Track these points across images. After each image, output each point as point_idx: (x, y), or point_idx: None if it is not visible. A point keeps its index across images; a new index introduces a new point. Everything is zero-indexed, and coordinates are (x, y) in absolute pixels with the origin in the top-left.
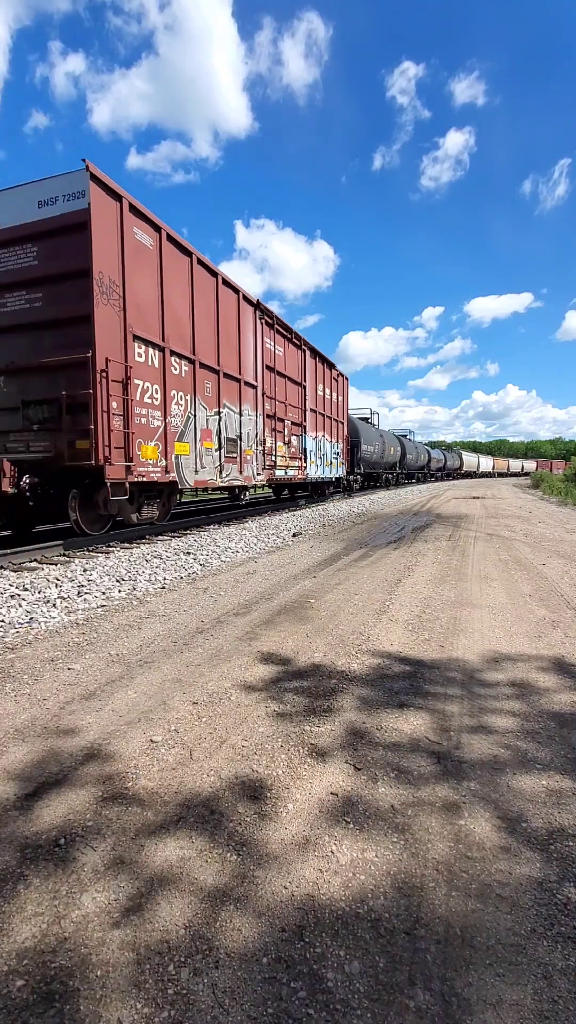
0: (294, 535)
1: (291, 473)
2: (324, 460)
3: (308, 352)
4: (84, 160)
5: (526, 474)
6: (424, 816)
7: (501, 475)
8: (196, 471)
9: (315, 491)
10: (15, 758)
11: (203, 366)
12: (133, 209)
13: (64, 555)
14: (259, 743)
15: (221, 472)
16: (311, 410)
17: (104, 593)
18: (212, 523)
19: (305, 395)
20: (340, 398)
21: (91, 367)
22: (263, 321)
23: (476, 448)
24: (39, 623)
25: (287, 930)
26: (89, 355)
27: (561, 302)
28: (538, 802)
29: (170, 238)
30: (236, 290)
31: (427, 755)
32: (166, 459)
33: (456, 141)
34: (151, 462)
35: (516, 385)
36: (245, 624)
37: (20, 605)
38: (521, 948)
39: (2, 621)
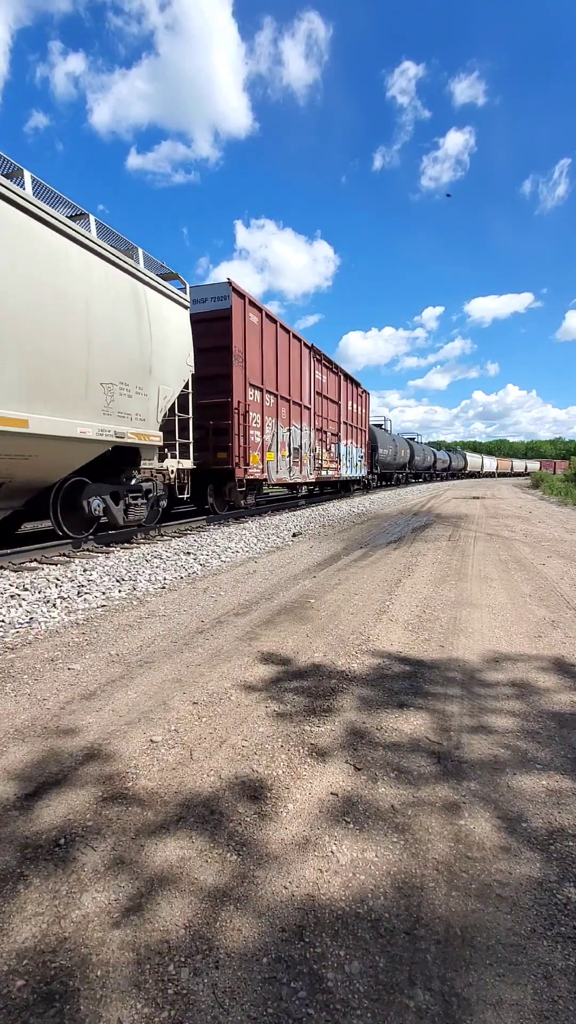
0: (294, 535)
1: (330, 473)
2: (352, 462)
3: (342, 376)
4: (228, 278)
5: (527, 474)
6: (424, 816)
7: (504, 475)
8: (277, 472)
9: (343, 487)
10: (15, 758)
11: (281, 397)
12: (250, 302)
13: (64, 555)
14: (259, 743)
15: (290, 472)
16: (344, 423)
17: (104, 593)
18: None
19: (340, 411)
20: (363, 411)
21: (230, 406)
22: (313, 358)
23: (476, 448)
24: (39, 623)
25: (287, 930)
26: (229, 399)
27: (561, 302)
28: (538, 802)
29: (267, 315)
30: (299, 339)
31: (427, 755)
32: (262, 464)
33: (456, 141)
34: (256, 466)
35: (516, 385)
36: (245, 624)
37: (20, 605)
38: (521, 948)
39: (2, 621)
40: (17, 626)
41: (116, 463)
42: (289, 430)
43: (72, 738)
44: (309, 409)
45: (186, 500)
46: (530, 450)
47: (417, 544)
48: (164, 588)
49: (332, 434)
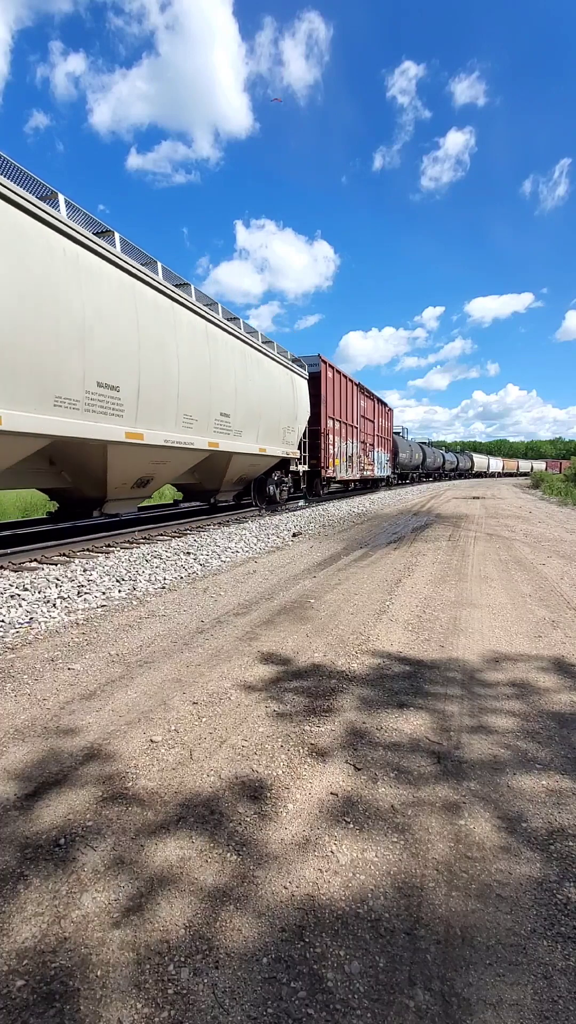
0: (294, 535)
1: (368, 473)
2: (381, 465)
3: (376, 400)
4: (319, 355)
5: (522, 474)
6: (424, 816)
7: (510, 475)
8: (340, 472)
9: (374, 484)
10: (15, 758)
11: (342, 422)
12: (328, 365)
13: (63, 555)
14: (259, 743)
15: (346, 472)
16: (376, 435)
17: (104, 593)
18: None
19: (374, 427)
20: (389, 424)
21: (320, 432)
22: (359, 390)
23: (476, 448)
24: (39, 623)
25: (287, 930)
26: (319, 427)
27: (561, 302)
28: (538, 802)
29: (336, 370)
30: (351, 380)
31: (427, 755)
32: (334, 467)
33: (457, 141)
34: (331, 468)
35: (516, 385)
36: (245, 624)
37: (20, 605)
38: (521, 948)
39: (2, 621)
40: (17, 626)
41: (280, 467)
42: (346, 443)
43: (72, 738)
44: (356, 428)
45: (302, 489)
46: (530, 450)
47: (417, 544)
48: (164, 588)
49: (369, 444)
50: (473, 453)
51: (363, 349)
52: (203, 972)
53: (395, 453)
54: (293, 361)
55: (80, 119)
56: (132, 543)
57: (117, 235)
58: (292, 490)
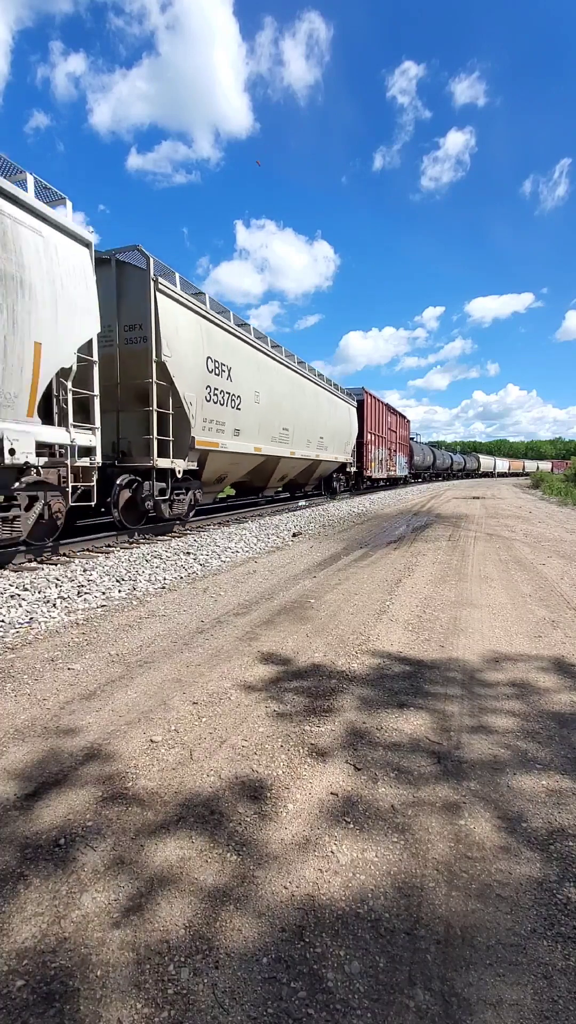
0: (294, 535)
1: (391, 473)
2: (400, 466)
3: (398, 415)
4: (364, 388)
5: (527, 474)
6: (424, 816)
7: (516, 475)
8: (376, 472)
9: (395, 482)
10: (15, 758)
11: (376, 435)
12: (368, 393)
13: (63, 555)
14: (259, 743)
15: (379, 472)
16: (397, 443)
17: (104, 593)
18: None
19: (395, 436)
20: (406, 432)
21: (362, 442)
22: (386, 408)
23: (476, 448)
24: (39, 623)
25: (287, 930)
26: (362, 440)
27: (561, 302)
28: (538, 802)
29: (372, 395)
30: (381, 401)
31: (427, 755)
32: (372, 468)
33: (457, 141)
34: (371, 469)
35: (516, 385)
36: (245, 624)
37: (20, 605)
38: (521, 948)
39: (2, 621)
40: (17, 626)
41: (340, 469)
42: (378, 451)
43: (72, 738)
44: (384, 438)
45: (349, 485)
46: (530, 450)
47: (417, 544)
48: (164, 588)
49: (393, 450)
50: (479, 455)
51: (363, 349)
52: (203, 972)
53: (411, 456)
54: (349, 395)
55: (80, 119)
56: (132, 543)
57: (284, 349)
58: (344, 486)
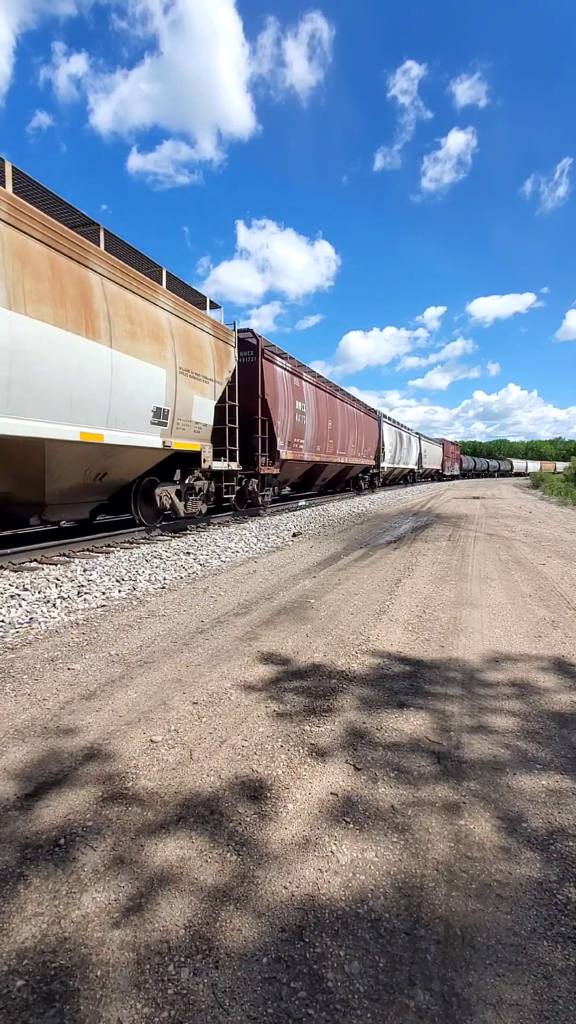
0: (294, 535)
1: (451, 471)
2: (453, 469)
3: (454, 445)
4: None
5: (515, 473)
6: (424, 816)
7: (550, 474)
8: (446, 471)
9: (452, 477)
10: (15, 758)
11: (451, 455)
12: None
13: (63, 555)
14: (259, 743)
15: (447, 471)
16: (456, 455)
17: (104, 593)
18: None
19: (456, 449)
20: (457, 450)
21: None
22: (451, 444)
23: (476, 448)
24: (39, 623)
25: (287, 930)
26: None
27: (562, 302)
28: (538, 802)
29: (450, 443)
30: (449, 443)
31: (427, 755)
32: (384, 462)
33: (458, 141)
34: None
35: (517, 385)
36: (245, 624)
37: (20, 605)
38: (521, 948)
39: (2, 621)
40: (17, 626)
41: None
42: (450, 462)
43: (72, 738)
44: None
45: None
46: (530, 450)
47: (417, 544)
48: (164, 588)
49: (454, 458)
50: (512, 459)
51: (363, 349)
52: (203, 972)
53: (461, 462)
54: (430, 439)
55: (81, 119)
56: (132, 543)
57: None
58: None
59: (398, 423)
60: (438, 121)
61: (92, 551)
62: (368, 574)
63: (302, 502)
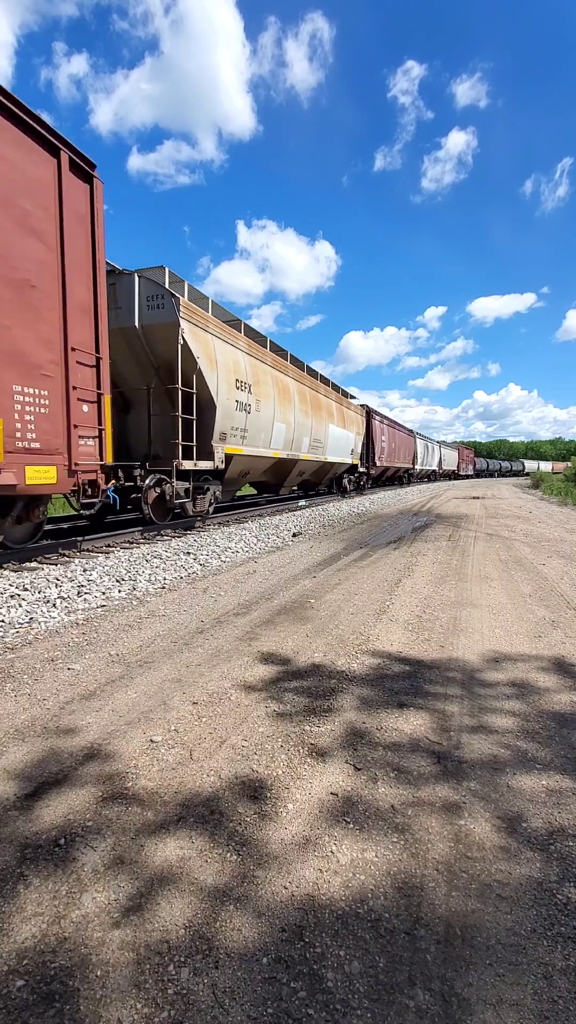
0: (294, 535)
1: (465, 472)
2: (467, 470)
3: (471, 449)
4: (458, 442)
5: (526, 474)
6: (424, 816)
7: (556, 474)
8: (463, 471)
9: (467, 476)
10: (15, 758)
11: (467, 457)
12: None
13: (64, 555)
14: (259, 743)
15: (464, 471)
16: (471, 458)
17: (104, 593)
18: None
19: (471, 454)
20: (472, 453)
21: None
22: (470, 450)
23: (477, 448)
24: (39, 623)
25: (287, 930)
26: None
27: (562, 302)
28: (538, 802)
29: (466, 448)
30: (464, 447)
31: (427, 755)
32: (417, 464)
33: (458, 141)
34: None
35: (518, 385)
36: (245, 624)
37: (20, 605)
38: (521, 948)
39: (2, 621)
40: (17, 626)
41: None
42: (465, 464)
43: (72, 738)
44: (468, 453)
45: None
46: (530, 450)
47: (417, 544)
48: (164, 588)
49: (468, 460)
50: (524, 460)
51: (363, 349)
52: (203, 972)
53: (475, 464)
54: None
55: (82, 120)
56: (132, 543)
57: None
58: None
59: (425, 436)
60: (438, 121)
61: (92, 551)
62: (368, 574)
63: (302, 502)
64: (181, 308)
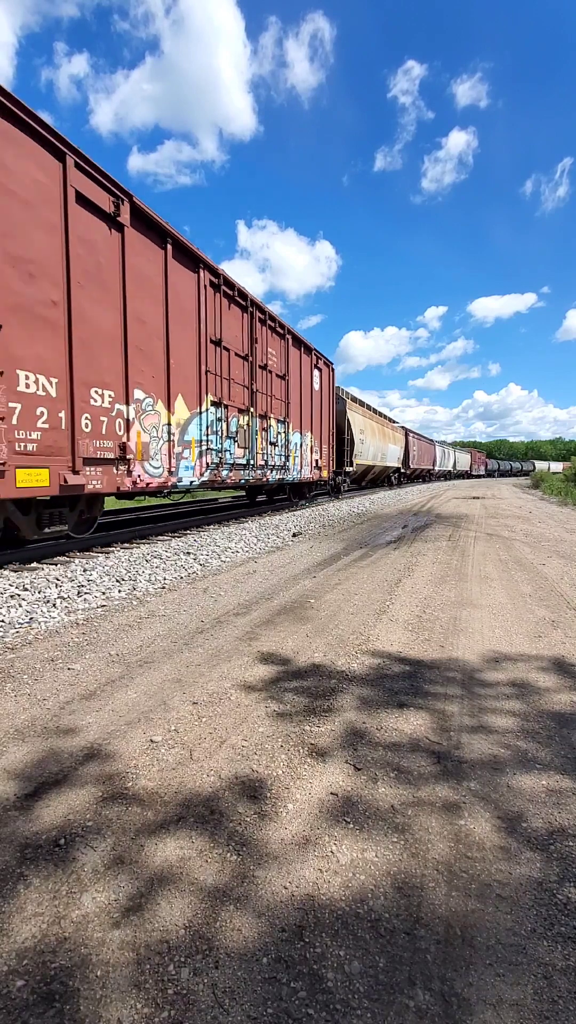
0: (294, 535)
1: (477, 472)
2: (479, 471)
3: (484, 453)
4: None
5: (526, 474)
6: (424, 816)
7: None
8: (474, 471)
9: (479, 475)
10: (15, 758)
11: (479, 459)
12: (478, 451)
13: (64, 555)
14: (259, 743)
15: (476, 471)
16: (484, 460)
17: (104, 593)
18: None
19: (483, 456)
20: (484, 456)
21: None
22: (484, 455)
23: (477, 447)
24: (39, 623)
25: (287, 930)
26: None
27: (562, 302)
28: (538, 802)
29: (478, 452)
30: (478, 451)
31: (427, 755)
32: (437, 466)
33: (458, 141)
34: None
35: (518, 385)
36: (245, 624)
37: (20, 605)
38: (521, 948)
39: (2, 621)
40: (17, 626)
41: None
42: (477, 465)
43: (72, 738)
44: (480, 456)
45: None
46: (530, 450)
47: (417, 544)
48: (164, 588)
49: (480, 462)
50: (535, 460)
51: (363, 349)
52: (203, 972)
53: (486, 465)
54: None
55: (82, 120)
56: (132, 543)
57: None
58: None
59: (444, 443)
60: (439, 121)
61: (92, 551)
62: (368, 574)
63: (303, 502)
64: (347, 404)
